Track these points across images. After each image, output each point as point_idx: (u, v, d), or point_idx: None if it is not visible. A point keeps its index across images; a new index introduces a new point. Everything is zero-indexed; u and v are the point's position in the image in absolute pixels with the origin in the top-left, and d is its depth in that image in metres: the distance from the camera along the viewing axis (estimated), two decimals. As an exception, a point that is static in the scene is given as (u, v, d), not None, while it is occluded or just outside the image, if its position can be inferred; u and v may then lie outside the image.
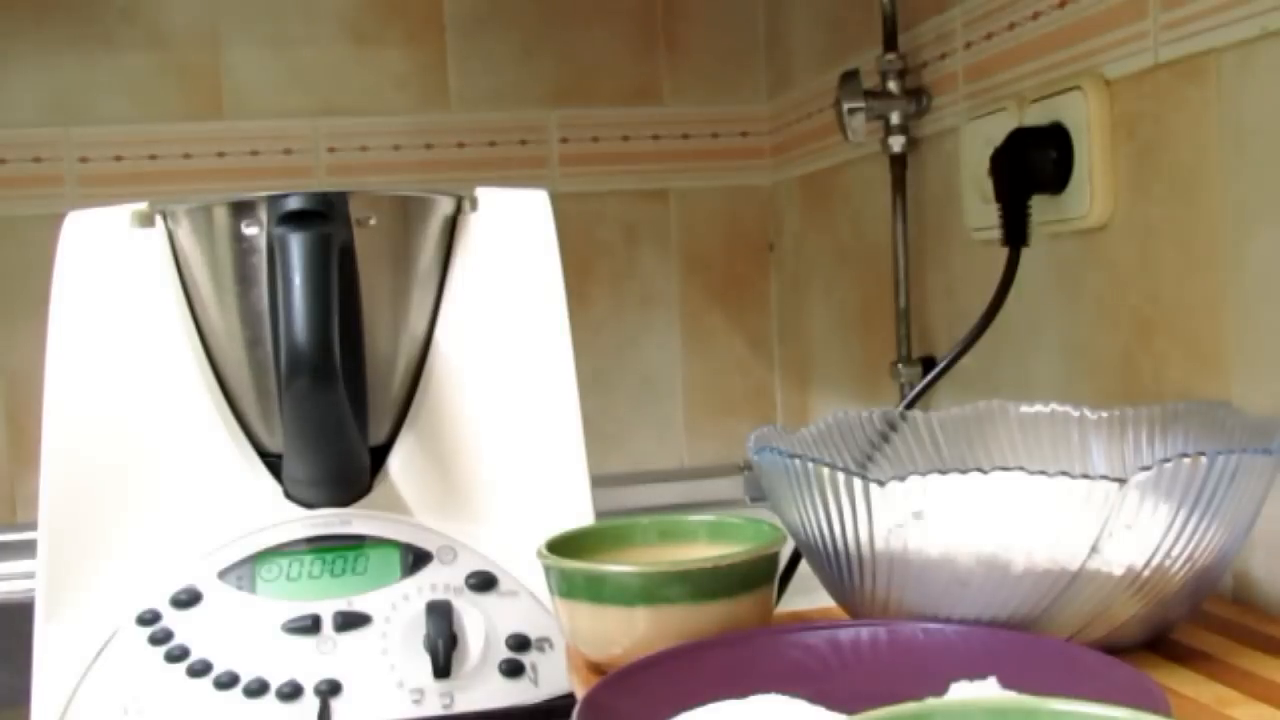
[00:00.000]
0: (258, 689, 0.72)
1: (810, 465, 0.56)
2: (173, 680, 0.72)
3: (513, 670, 0.74)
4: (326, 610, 0.74)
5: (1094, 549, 0.52)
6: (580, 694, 0.62)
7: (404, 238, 0.80)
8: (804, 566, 0.66)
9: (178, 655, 0.72)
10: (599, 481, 0.81)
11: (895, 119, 1.05)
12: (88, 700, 0.71)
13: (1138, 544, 0.53)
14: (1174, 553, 0.53)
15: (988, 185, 0.84)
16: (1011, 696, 0.42)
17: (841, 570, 0.58)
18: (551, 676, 0.74)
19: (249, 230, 0.76)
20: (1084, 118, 0.79)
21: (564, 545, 0.64)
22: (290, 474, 0.77)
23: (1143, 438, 0.68)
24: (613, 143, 1.43)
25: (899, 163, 1.07)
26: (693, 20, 1.44)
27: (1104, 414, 0.69)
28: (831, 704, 0.48)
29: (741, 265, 1.47)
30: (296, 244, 0.72)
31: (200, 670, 0.72)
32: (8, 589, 1.11)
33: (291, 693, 0.72)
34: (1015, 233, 0.82)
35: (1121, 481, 0.51)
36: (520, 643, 0.75)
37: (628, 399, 1.45)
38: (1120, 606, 0.54)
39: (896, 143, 1.05)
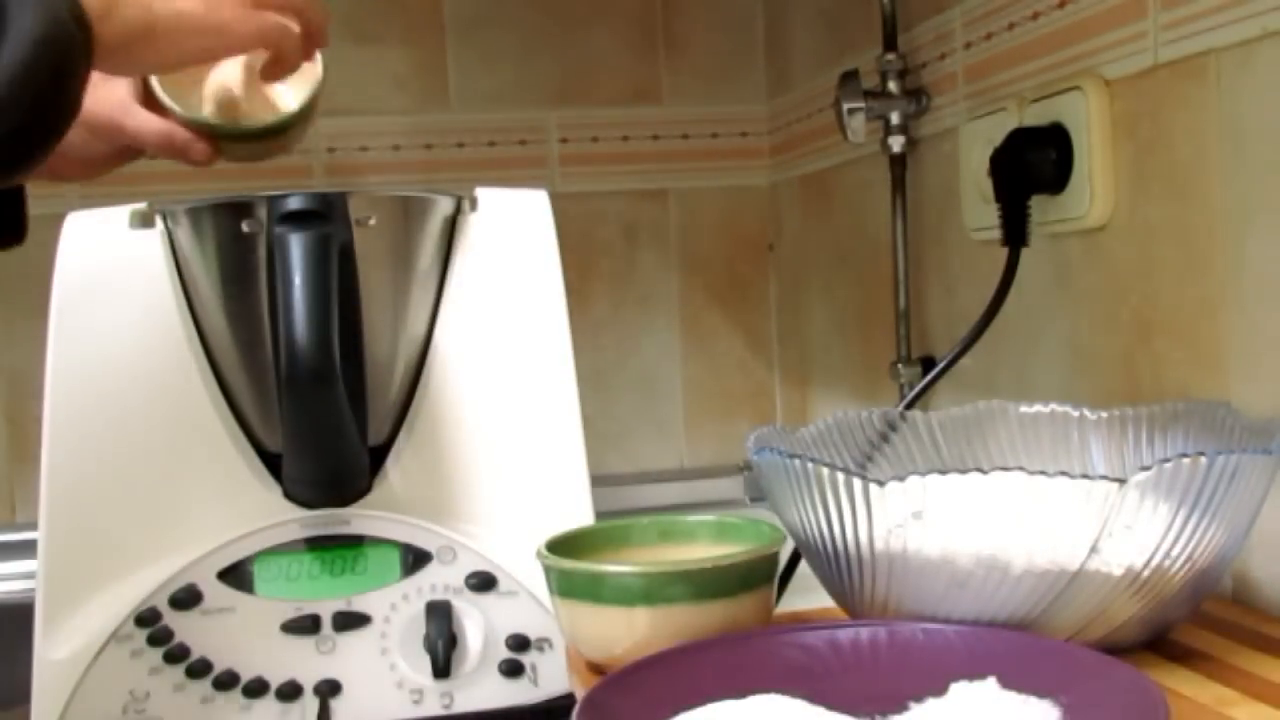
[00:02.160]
0: (257, 689, 0.72)
1: (810, 465, 0.56)
2: (172, 680, 0.72)
3: (512, 670, 0.74)
4: (326, 610, 0.74)
5: (1093, 549, 0.52)
6: (580, 694, 0.62)
7: (404, 238, 0.80)
8: (804, 566, 0.66)
9: (177, 655, 0.73)
10: (599, 481, 0.81)
11: (895, 119, 1.05)
12: (88, 700, 0.71)
13: (1137, 544, 0.53)
14: (1173, 553, 0.53)
15: (987, 185, 0.84)
16: None
17: (841, 570, 0.58)
18: (551, 676, 0.74)
19: (248, 230, 0.76)
20: (1084, 118, 0.79)
21: (564, 545, 0.64)
22: (290, 474, 0.77)
23: (1142, 438, 0.68)
24: (612, 143, 1.43)
25: (898, 163, 1.07)
26: (692, 20, 1.44)
27: (1104, 414, 0.69)
28: (831, 704, 0.49)
29: (741, 265, 1.47)
30: (296, 244, 0.72)
31: (200, 670, 0.72)
32: (8, 589, 1.11)
33: (291, 692, 0.72)
34: (1015, 233, 0.82)
35: (1121, 481, 0.51)
36: (520, 643, 0.75)
37: (628, 399, 1.45)
38: (1120, 607, 0.54)
39: (896, 143, 1.05)
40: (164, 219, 0.79)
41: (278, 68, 0.71)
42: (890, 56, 1.04)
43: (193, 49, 0.66)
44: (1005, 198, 0.82)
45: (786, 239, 1.43)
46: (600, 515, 0.78)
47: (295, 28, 0.71)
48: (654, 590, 0.58)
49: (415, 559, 0.76)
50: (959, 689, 0.49)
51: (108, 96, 0.76)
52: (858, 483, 0.55)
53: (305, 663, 0.73)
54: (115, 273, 0.79)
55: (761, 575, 0.61)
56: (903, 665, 0.53)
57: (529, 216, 0.84)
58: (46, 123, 0.57)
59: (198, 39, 0.66)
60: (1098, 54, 0.79)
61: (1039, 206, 0.82)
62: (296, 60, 0.72)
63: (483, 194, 0.84)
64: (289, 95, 0.77)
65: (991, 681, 0.49)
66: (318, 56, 0.78)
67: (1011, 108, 0.87)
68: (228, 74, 0.75)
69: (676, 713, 0.49)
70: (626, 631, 0.59)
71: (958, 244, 1.00)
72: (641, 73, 1.43)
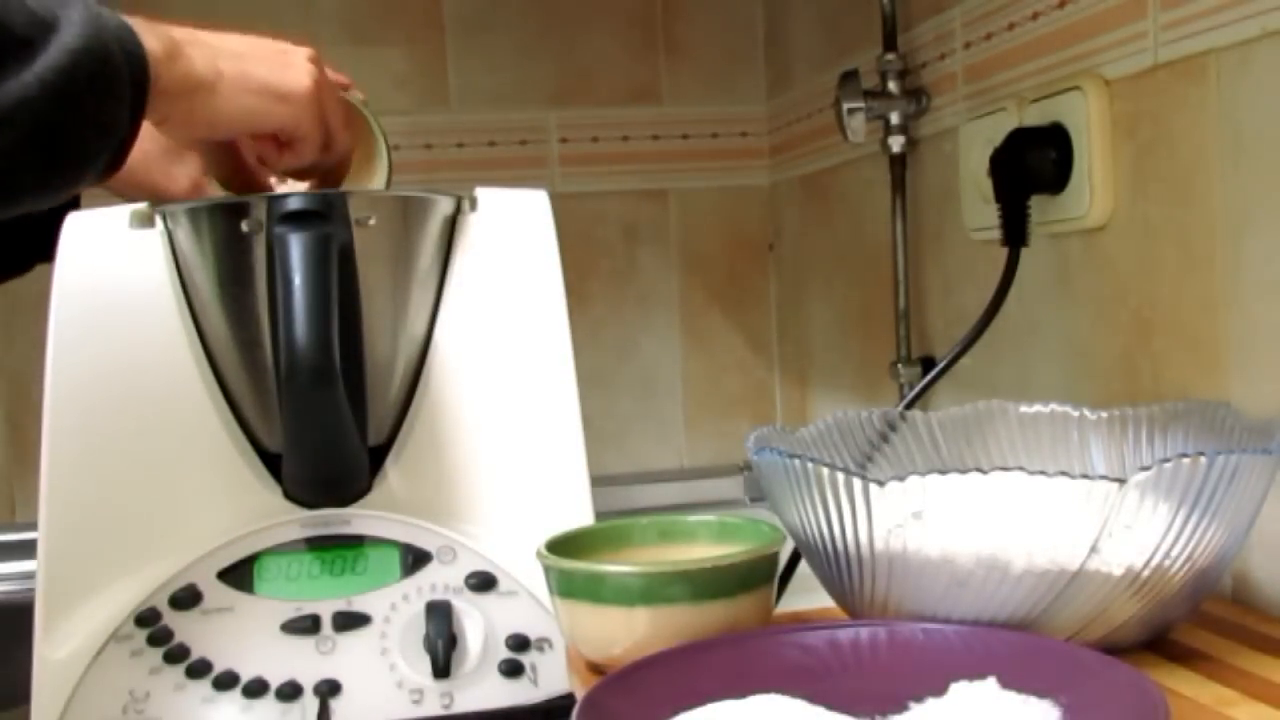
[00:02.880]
0: (257, 689, 0.72)
1: (810, 465, 0.56)
2: (172, 680, 0.72)
3: (512, 670, 0.74)
4: (326, 610, 0.74)
5: (1093, 549, 0.52)
6: (580, 694, 0.62)
7: (404, 238, 0.80)
8: (804, 566, 0.66)
9: (177, 655, 0.72)
10: (599, 481, 0.81)
11: (895, 119, 1.05)
12: (87, 700, 0.71)
13: (1137, 544, 0.53)
14: (1173, 553, 0.53)
15: (987, 185, 0.84)
16: None
17: (841, 570, 0.58)
18: (551, 676, 0.74)
19: (248, 230, 0.76)
20: (1083, 118, 0.79)
21: (564, 545, 0.64)
22: (290, 474, 0.77)
23: (1142, 438, 0.68)
24: (612, 143, 1.43)
25: (898, 163, 1.07)
26: (692, 20, 1.44)
27: (1104, 414, 0.69)
28: (831, 704, 0.49)
29: (741, 265, 1.47)
30: (296, 244, 0.72)
31: (200, 670, 0.72)
32: (8, 589, 1.11)
33: (291, 693, 0.72)
34: (1015, 233, 0.82)
35: (1121, 481, 0.51)
36: (520, 643, 0.75)
37: (628, 399, 1.45)
38: (1120, 607, 0.54)
39: (896, 143, 1.06)
40: (164, 219, 0.79)
41: (295, 158, 0.74)
42: (890, 56, 1.04)
43: (254, 110, 0.68)
44: (1005, 198, 0.82)
45: (786, 239, 1.43)
46: (600, 515, 0.78)
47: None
48: (654, 590, 0.58)
49: (415, 559, 0.76)
50: (959, 689, 0.49)
51: (180, 177, 0.78)
52: (858, 483, 0.55)
53: (305, 663, 0.73)
54: (115, 273, 0.79)
55: (761, 575, 0.61)
56: (903, 665, 0.53)
57: (529, 216, 0.84)
58: (78, 139, 0.57)
59: (261, 101, 0.68)
60: (1098, 54, 0.79)
61: (1039, 206, 0.82)
62: (315, 157, 0.74)
63: (483, 194, 0.84)
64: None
65: (991, 681, 0.49)
66: (384, 163, 0.83)
67: (1011, 108, 0.87)
68: (292, 184, 0.80)
69: (676, 713, 0.49)
70: (626, 631, 0.59)
71: (957, 244, 1.00)
72: (641, 73, 1.43)
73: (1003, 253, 0.83)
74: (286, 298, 0.71)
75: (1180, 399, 0.70)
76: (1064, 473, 0.52)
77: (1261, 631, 0.61)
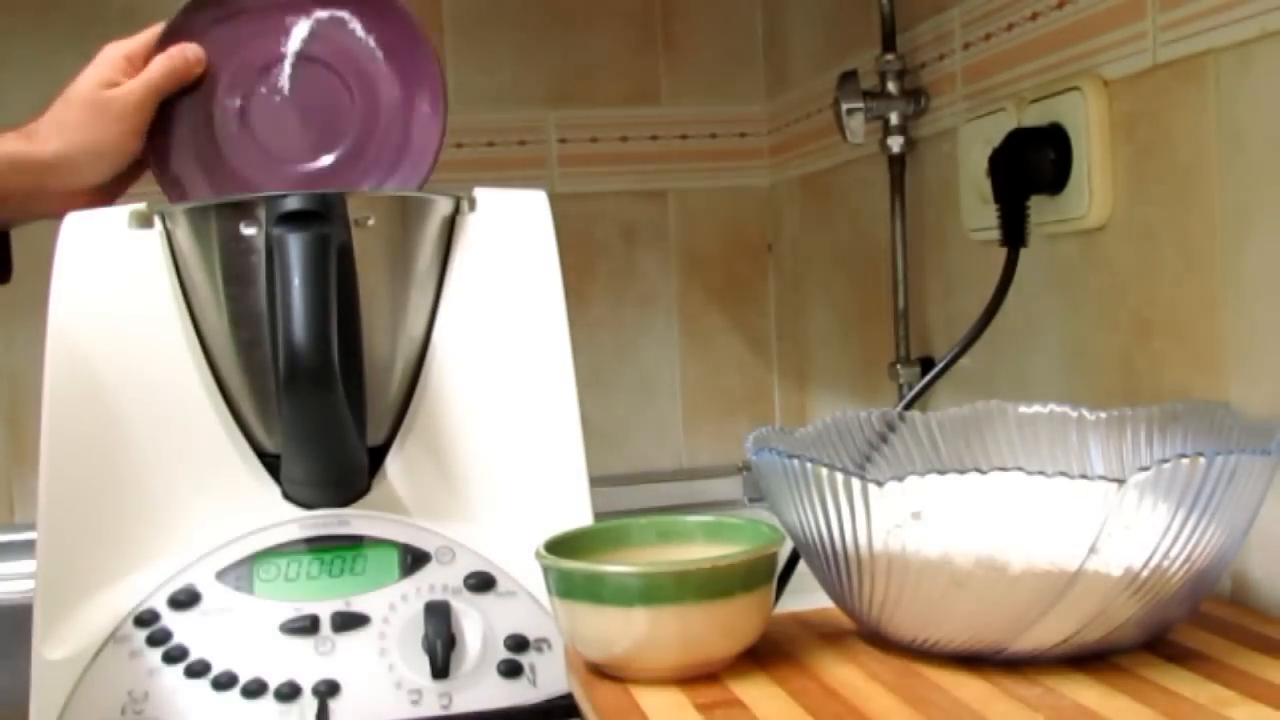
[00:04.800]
0: (256, 689, 0.72)
1: (809, 465, 0.56)
2: (171, 681, 0.72)
3: (511, 671, 0.74)
4: (325, 611, 0.74)
5: (1092, 550, 0.52)
6: (579, 695, 0.62)
7: (402, 238, 0.80)
8: (804, 566, 0.66)
9: (176, 656, 0.72)
10: (598, 482, 0.81)
11: (894, 119, 1.05)
12: (86, 700, 0.71)
13: (1136, 545, 0.53)
14: (1172, 553, 0.53)
15: (986, 186, 0.84)
16: None
17: (840, 571, 0.58)
18: (550, 677, 0.74)
19: (247, 231, 0.76)
20: (1082, 118, 0.79)
21: (562, 545, 0.64)
22: (288, 475, 0.77)
23: (1141, 438, 0.68)
24: (611, 143, 1.43)
25: (897, 163, 1.07)
26: (691, 20, 1.44)
27: (1102, 414, 0.69)
28: None
29: (740, 266, 1.47)
30: (294, 244, 0.72)
31: (198, 671, 0.72)
32: (8, 589, 1.11)
33: (290, 693, 0.72)
34: (1014, 233, 0.82)
35: (1120, 482, 0.51)
36: (519, 643, 0.75)
37: (626, 399, 1.45)
38: (1119, 607, 0.54)
39: (895, 143, 1.06)
40: (163, 220, 0.79)
41: None
42: (889, 57, 1.04)
43: None
44: (1004, 198, 0.82)
45: (785, 239, 1.43)
46: (599, 516, 0.78)
47: None
48: (653, 590, 0.58)
49: (414, 559, 0.76)
50: None
51: None
52: (856, 483, 0.55)
53: (304, 663, 0.73)
54: (114, 273, 0.79)
55: (760, 575, 0.61)
56: None
57: (528, 217, 0.84)
58: None
59: None
60: (1097, 54, 0.79)
61: (1038, 207, 0.82)
62: None
63: (481, 194, 0.84)
64: None
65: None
66: None
67: (1010, 108, 0.87)
68: None
69: None
70: (625, 632, 0.59)
71: (957, 244, 1.00)
72: (640, 73, 1.43)
73: (1002, 253, 0.83)
74: (285, 298, 0.71)
75: (1179, 399, 0.70)
76: (1063, 473, 0.52)
77: (1260, 632, 0.61)
